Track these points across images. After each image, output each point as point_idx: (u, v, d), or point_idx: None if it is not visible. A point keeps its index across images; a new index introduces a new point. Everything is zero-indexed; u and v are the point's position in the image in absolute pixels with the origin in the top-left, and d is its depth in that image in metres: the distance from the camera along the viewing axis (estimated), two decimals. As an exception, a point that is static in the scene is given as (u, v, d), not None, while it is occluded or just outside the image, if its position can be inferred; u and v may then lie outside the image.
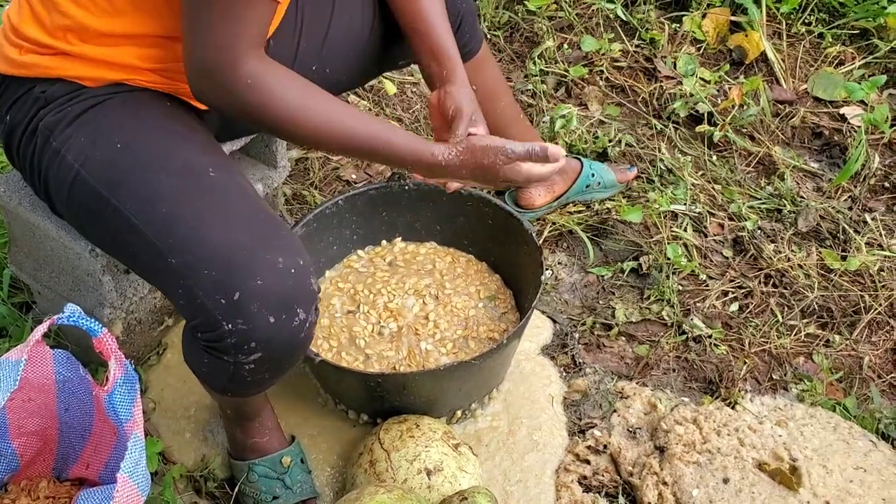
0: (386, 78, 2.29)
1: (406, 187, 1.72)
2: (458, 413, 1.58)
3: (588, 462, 1.58)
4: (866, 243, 2.00)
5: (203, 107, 1.33)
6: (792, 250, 1.98)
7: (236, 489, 1.47)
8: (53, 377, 1.28)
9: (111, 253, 1.32)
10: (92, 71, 1.24)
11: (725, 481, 1.51)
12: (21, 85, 1.27)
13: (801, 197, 2.10)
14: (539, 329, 1.81)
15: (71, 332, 1.60)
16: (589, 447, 1.60)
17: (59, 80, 1.24)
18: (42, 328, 1.16)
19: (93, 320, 1.17)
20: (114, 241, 1.24)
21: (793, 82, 2.43)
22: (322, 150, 1.22)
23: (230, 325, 1.11)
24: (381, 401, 1.51)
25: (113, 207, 1.19)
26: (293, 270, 1.14)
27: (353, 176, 2.15)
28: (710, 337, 1.80)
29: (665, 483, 1.52)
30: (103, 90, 1.25)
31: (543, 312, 1.85)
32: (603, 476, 1.57)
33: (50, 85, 1.24)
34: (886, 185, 2.18)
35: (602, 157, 2.18)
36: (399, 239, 1.79)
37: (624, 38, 2.48)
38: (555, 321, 1.84)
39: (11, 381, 1.13)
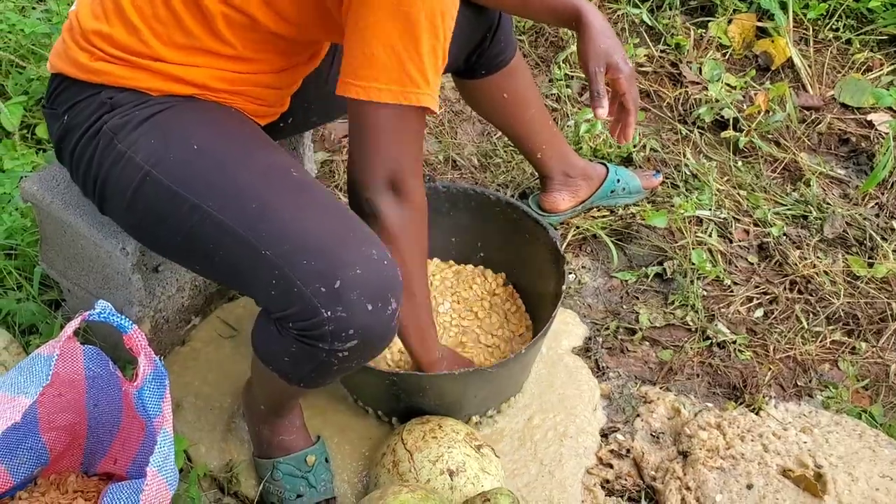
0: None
1: (436, 188, 1.73)
2: (475, 418, 1.59)
3: (611, 466, 1.58)
4: (894, 250, 1.98)
5: (262, 122, 1.38)
6: (818, 257, 1.97)
7: (260, 487, 1.49)
8: (83, 373, 1.30)
9: (177, 253, 1.31)
10: (164, 85, 1.26)
11: (749, 487, 1.50)
12: (85, 88, 1.28)
13: (828, 203, 2.09)
14: (574, 326, 1.82)
15: (99, 330, 1.63)
16: (612, 451, 1.60)
17: (128, 89, 1.26)
18: (74, 324, 1.18)
19: (123, 317, 1.19)
20: (187, 240, 1.24)
21: (819, 88, 2.41)
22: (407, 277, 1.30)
23: (329, 313, 1.14)
24: (396, 400, 1.52)
25: (191, 206, 1.20)
26: (385, 262, 1.18)
27: (378, 179, 2.16)
28: (734, 343, 1.79)
29: (688, 488, 1.51)
30: (170, 98, 1.27)
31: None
32: (626, 480, 1.56)
33: (118, 92, 1.26)
34: (914, 192, 2.16)
35: (627, 161, 2.18)
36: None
37: (650, 43, 2.48)
38: (578, 325, 1.85)
39: (44, 375, 1.14)
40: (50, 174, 1.55)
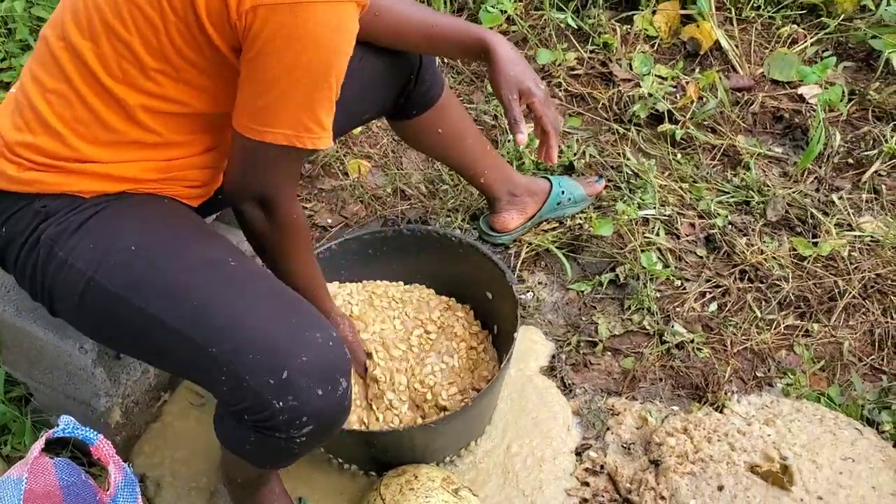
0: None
1: (401, 232, 1.77)
2: (447, 458, 1.63)
3: (587, 484, 1.63)
4: (836, 225, 2.03)
5: (195, 204, 1.39)
6: (764, 241, 2.02)
7: (250, 557, 1.52)
8: (58, 484, 1.32)
9: (132, 352, 1.35)
10: (95, 185, 1.28)
11: (720, 489, 1.55)
12: (18, 199, 1.29)
13: (768, 185, 2.14)
14: (541, 345, 1.86)
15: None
16: (587, 469, 1.65)
17: (61, 195, 1.27)
18: (39, 445, 1.20)
19: (87, 429, 1.21)
20: (136, 342, 1.27)
21: (749, 67, 2.46)
22: (283, 275, 1.38)
23: (281, 403, 1.17)
24: (368, 453, 1.55)
25: (135, 309, 1.22)
26: (330, 343, 1.21)
27: (329, 220, 2.19)
28: (692, 342, 1.84)
29: (663, 497, 1.56)
30: (104, 198, 1.29)
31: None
32: (603, 497, 1.61)
33: (51, 200, 1.27)
34: (850, 161, 2.22)
35: (569, 170, 2.21)
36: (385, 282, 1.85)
37: (578, 46, 2.50)
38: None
39: (15, 500, 1.16)
40: (-1, 281, 1.57)
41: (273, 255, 1.39)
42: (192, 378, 1.28)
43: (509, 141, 2.26)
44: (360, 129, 2.34)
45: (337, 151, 2.31)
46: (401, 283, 1.85)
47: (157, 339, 1.23)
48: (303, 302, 1.26)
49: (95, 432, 1.22)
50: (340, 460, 1.63)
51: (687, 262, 2.02)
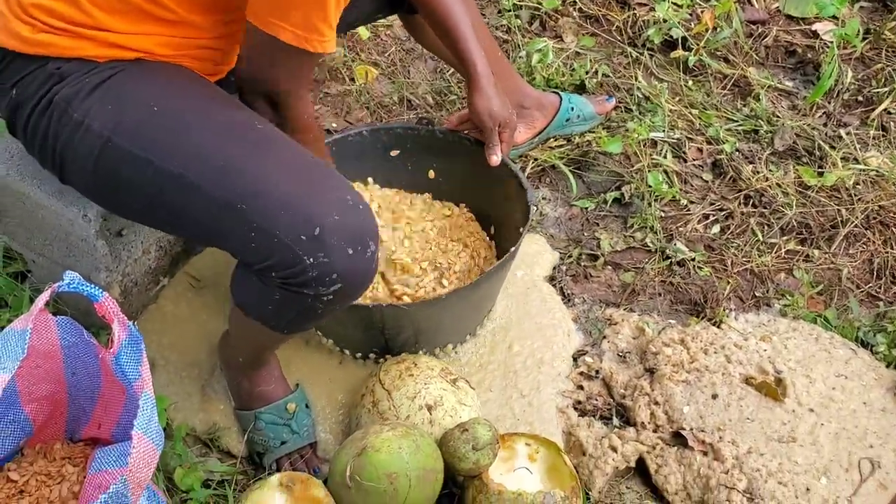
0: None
1: (433, 133, 1.76)
2: (460, 347, 1.63)
3: (582, 388, 1.64)
4: (842, 158, 2.04)
5: (212, 80, 1.37)
6: (770, 170, 2.02)
7: (245, 438, 1.52)
8: (58, 343, 1.31)
9: (148, 218, 1.33)
10: (109, 52, 1.25)
11: (714, 397, 1.57)
12: (31, 61, 1.26)
13: (777, 116, 2.13)
14: (548, 255, 1.87)
15: (69, 298, 1.63)
16: (581, 373, 1.66)
17: (74, 59, 1.24)
18: (44, 297, 1.19)
19: (93, 286, 1.20)
20: (156, 205, 1.25)
21: (765, 1, 2.43)
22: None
23: (312, 259, 1.17)
24: (362, 332, 1.56)
25: (157, 168, 1.20)
26: (361, 206, 1.22)
27: (334, 124, 2.16)
28: (693, 260, 1.84)
29: (656, 403, 1.58)
30: (118, 62, 1.26)
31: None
32: (597, 400, 1.63)
33: (65, 62, 1.24)
34: (860, 98, 2.21)
35: (580, 89, 2.19)
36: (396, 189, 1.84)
37: (595, -34, 2.47)
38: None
39: (20, 349, 1.15)
40: (2, 146, 1.54)
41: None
42: (212, 238, 1.26)
43: (521, 57, 2.24)
44: (368, 34, 2.31)
45: (345, 56, 2.27)
46: (402, 190, 1.85)
47: (178, 199, 1.21)
48: (329, 168, 1.26)
49: (100, 289, 1.20)
50: (336, 345, 1.63)
51: (692, 186, 2.01)
